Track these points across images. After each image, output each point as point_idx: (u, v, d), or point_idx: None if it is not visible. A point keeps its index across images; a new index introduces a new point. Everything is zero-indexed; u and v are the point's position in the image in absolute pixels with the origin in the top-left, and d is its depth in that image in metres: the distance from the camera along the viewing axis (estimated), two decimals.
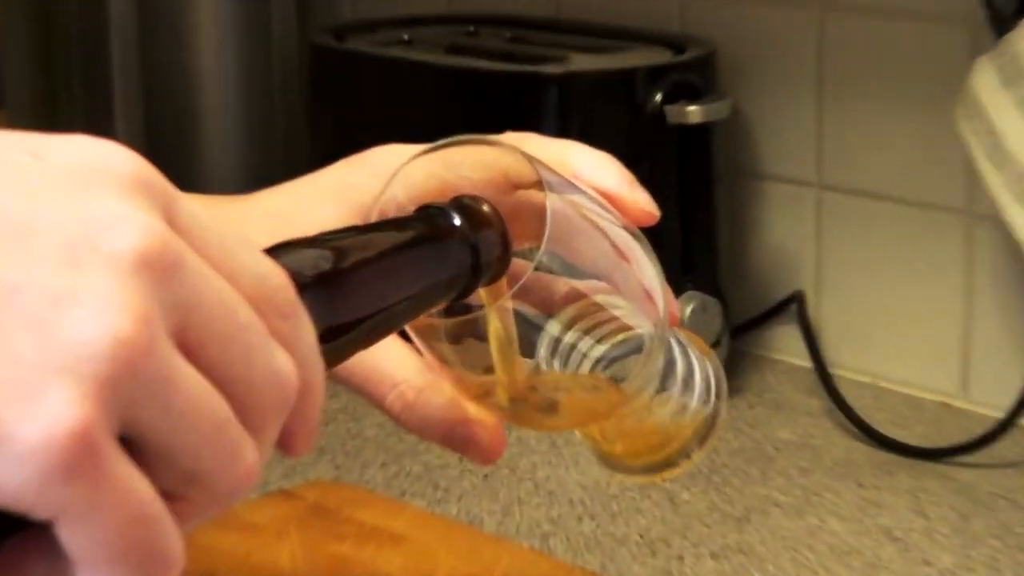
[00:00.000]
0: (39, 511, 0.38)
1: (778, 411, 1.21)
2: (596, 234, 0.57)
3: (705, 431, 0.63)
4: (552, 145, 0.61)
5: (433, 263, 0.51)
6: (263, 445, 0.43)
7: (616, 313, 0.57)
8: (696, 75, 1.20)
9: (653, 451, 0.63)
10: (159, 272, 0.40)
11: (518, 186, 0.58)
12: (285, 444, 0.44)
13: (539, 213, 0.54)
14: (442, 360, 0.57)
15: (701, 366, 0.64)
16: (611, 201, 0.60)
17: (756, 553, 0.99)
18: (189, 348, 0.41)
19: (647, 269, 0.58)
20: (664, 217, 1.23)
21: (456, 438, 0.59)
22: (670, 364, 0.62)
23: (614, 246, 0.57)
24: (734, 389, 1.25)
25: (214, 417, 0.41)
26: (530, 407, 0.59)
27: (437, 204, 0.52)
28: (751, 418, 1.20)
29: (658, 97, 1.18)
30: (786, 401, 1.23)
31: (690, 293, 1.21)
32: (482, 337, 0.56)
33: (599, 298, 0.57)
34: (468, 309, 0.57)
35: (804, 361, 1.27)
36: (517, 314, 0.55)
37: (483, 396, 0.58)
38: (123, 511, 0.39)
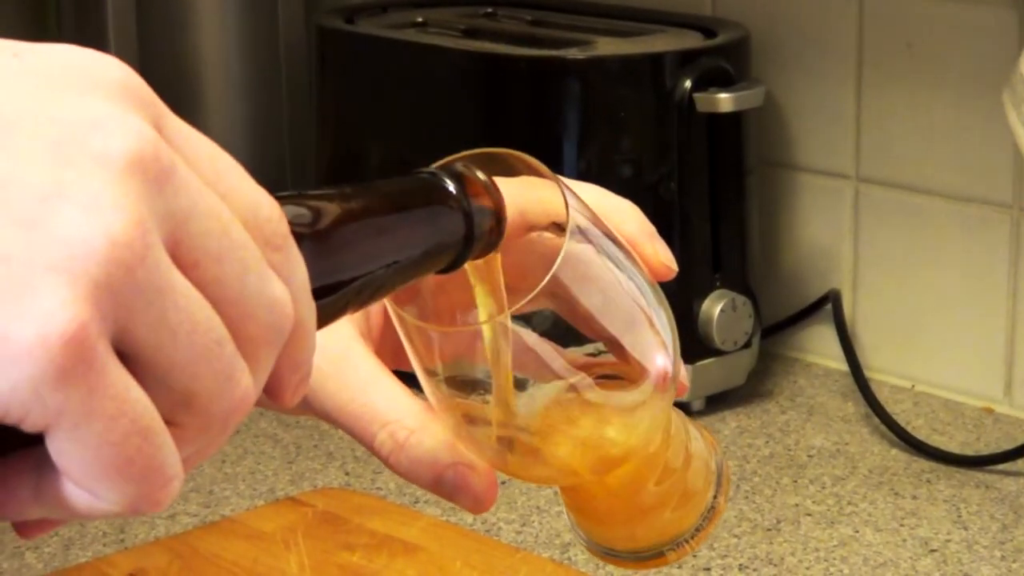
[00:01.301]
0: (31, 419, 0.38)
1: (811, 416, 1.22)
2: (616, 290, 0.56)
3: (702, 522, 0.63)
4: (570, 186, 0.60)
5: (425, 226, 0.53)
6: (256, 378, 0.42)
7: (620, 376, 0.57)
8: (728, 61, 1.21)
9: (643, 537, 0.63)
10: (152, 178, 0.40)
11: (533, 227, 0.58)
12: (273, 389, 0.45)
13: (547, 263, 0.54)
14: (441, 400, 0.57)
15: (706, 453, 0.63)
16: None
17: (787, 565, 1.00)
18: (181, 263, 0.40)
19: (665, 334, 0.57)
20: (693, 211, 1.24)
21: (446, 482, 0.58)
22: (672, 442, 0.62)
23: (632, 304, 0.57)
24: (765, 393, 1.26)
25: (210, 334, 0.41)
26: (519, 449, 0.58)
27: (429, 169, 0.54)
28: (783, 424, 1.21)
29: (687, 84, 1.18)
30: (820, 406, 1.24)
31: (719, 291, 1.21)
32: (482, 375, 0.56)
33: (602, 357, 0.56)
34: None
35: (839, 364, 1.28)
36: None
37: (479, 441, 0.58)
38: (120, 420, 0.39)
